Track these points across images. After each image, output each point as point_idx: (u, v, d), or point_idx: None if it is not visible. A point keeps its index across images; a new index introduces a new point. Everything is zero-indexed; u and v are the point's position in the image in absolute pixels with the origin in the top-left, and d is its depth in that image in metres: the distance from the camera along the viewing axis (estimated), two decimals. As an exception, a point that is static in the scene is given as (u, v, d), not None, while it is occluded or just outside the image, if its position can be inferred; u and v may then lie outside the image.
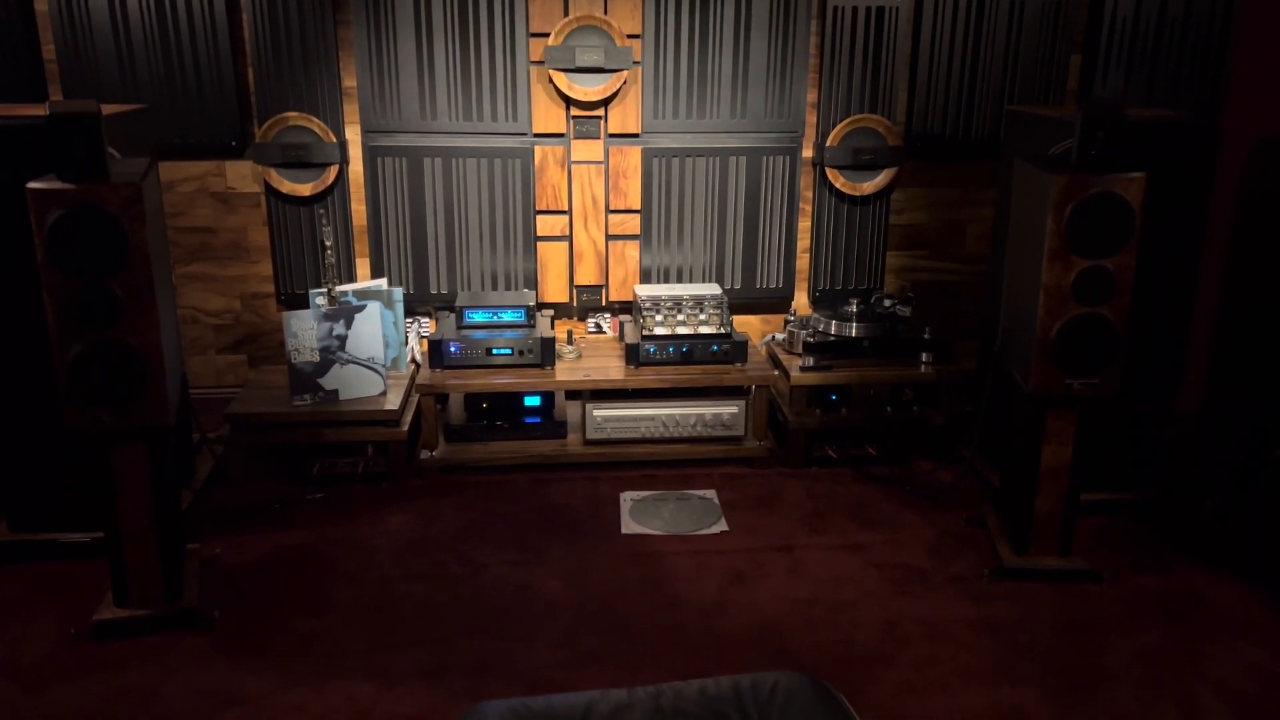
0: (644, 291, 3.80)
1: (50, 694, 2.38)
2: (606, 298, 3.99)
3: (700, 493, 3.45)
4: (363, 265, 3.93)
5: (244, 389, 3.65)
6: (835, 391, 3.70)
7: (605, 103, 3.78)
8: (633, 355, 3.61)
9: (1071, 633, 2.68)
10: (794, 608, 2.78)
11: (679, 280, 4.00)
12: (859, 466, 3.66)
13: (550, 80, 3.71)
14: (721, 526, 3.22)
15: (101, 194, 2.25)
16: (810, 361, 3.64)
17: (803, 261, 4.06)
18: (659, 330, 3.64)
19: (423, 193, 3.83)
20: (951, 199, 4.07)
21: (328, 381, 3.47)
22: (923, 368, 3.68)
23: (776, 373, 3.73)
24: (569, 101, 3.76)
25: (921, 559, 3.05)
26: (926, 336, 3.69)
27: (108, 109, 2.81)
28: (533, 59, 3.73)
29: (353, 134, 3.79)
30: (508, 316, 3.66)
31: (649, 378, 3.58)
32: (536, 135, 3.80)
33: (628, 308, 3.99)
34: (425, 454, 3.56)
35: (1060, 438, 2.79)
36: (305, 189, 3.77)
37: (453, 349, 3.55)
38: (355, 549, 3.07)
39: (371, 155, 3.78)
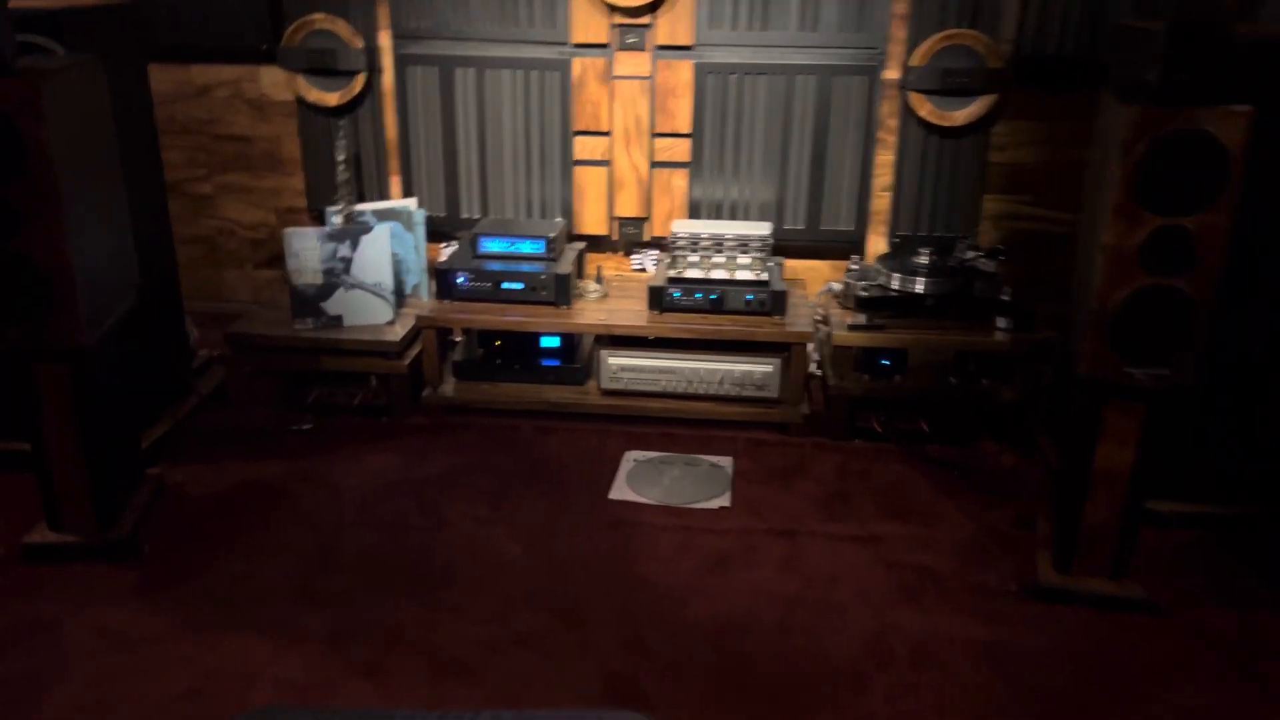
0: (680, 228, 3.38)
1: (-42, 614, 2.31)
2: (650, 232, 3.60)
3: (713, 459, 3.06)
4: (398, 182, 3.68)
5: (254, 307, 3.51)
6: (889, 355, 3.19)
7: (653, 9, 3.33)
8: (656, 300, 3.22)
9: (1101, 677, 2.17)
10: (771, 605, 2.39)
11: (734, 217, 3.55)
12: (907, 443, 3.16)
13: (589, -17, 3.30)
14: (722, 501, 2.83)
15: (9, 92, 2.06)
16: (861, 319, 3.14)
17: (881, 201, 3.52)
18: (689, 273, 3.23)
19: (454, 106, 3.53)
20: (1063, 135, 3.41)
21: (331, 306, 3.27)
22: (998, 334, 3.11)
23: (820, 329, 3.25)
24: (612, 8, 3.34)
25: (945, 561, 2.57)
26: (1006, 298, 3.11)
27: (74, 1, 2.64)
28: (571, -42, 3.32)
29: (384, 39, 3.52)
30: (525, 248, 3.33)
31: (671, 326, 3.18)
32: (575, 46, 3.41)
33: (671, 244, 3.58)
34: (428, 391, 3.32)
35: (1120, 436, 2.23)
36: (332, 98, 3.54)
37: (460, 280, 3.27)
38: (323, 488, 2.87)
39: (402, 63, 3.50)
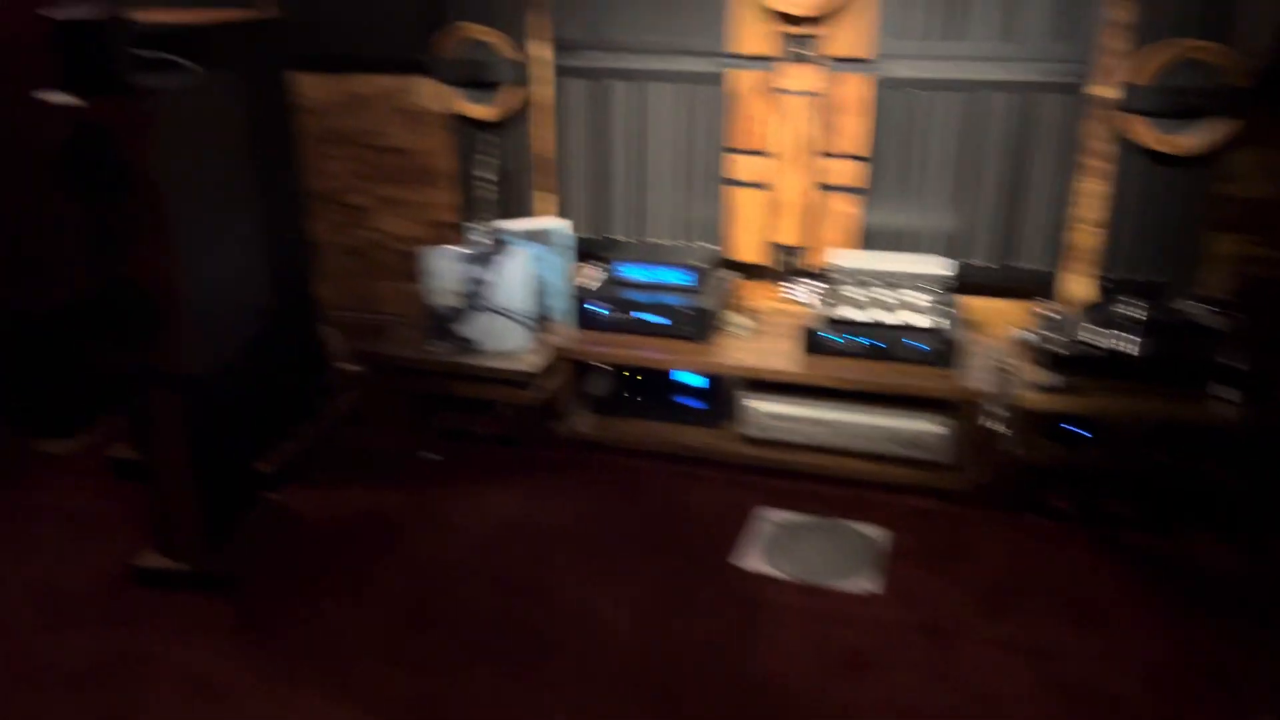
0: (842, 260, 3.02)
1: (61, 638, 2.29)
2: (810, 261, 3.26)
3: (863, 528, 2.70)
4: (548, 201, 3.51)
5: (395, 324, 3.42)
6: (1084, 422, 2.72)
7: (826, 18, 2.99)
8: (810, 342, 2.88)
9: None
10: (909, 727, 2.02)
11: (907, 249, 3.15)
12: (1098, 527, 2.68)
13: (756, -12, 2.99)
14: (868, 585, 2.47)
15: (105, 111, 1.99)
16: (1053, 379, 2.69)
17: (1080, 237, 3.03)
18: (850, 313, 2.87)
19: (608, 121, 3.31)
20: (1322, 166, 2.81)
21: (466, 329, 3.13)
22: (1222, 405, 2.59)
23: (1002, 387, 2.82)
24: (779, 16, 3.02)
25: (1135, 690, 2.11)
26: (1233, 361, 2.58)
27: (217, 15, 2.59)
28: (737, -39, 3.03)
29: (539, 50, 3.34)
30: (669, 277, 3.07)
31: (825, 373, 2.84)
32: (737, 57, 3.11)
33: (834, 277, 3.22)
34: (559, 424, 3.12)
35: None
36: (484, 111, 3.40)
37: (597, 310, 3.05)
38: (438, 527, 2.72)
39: (557, 75, 3.31)
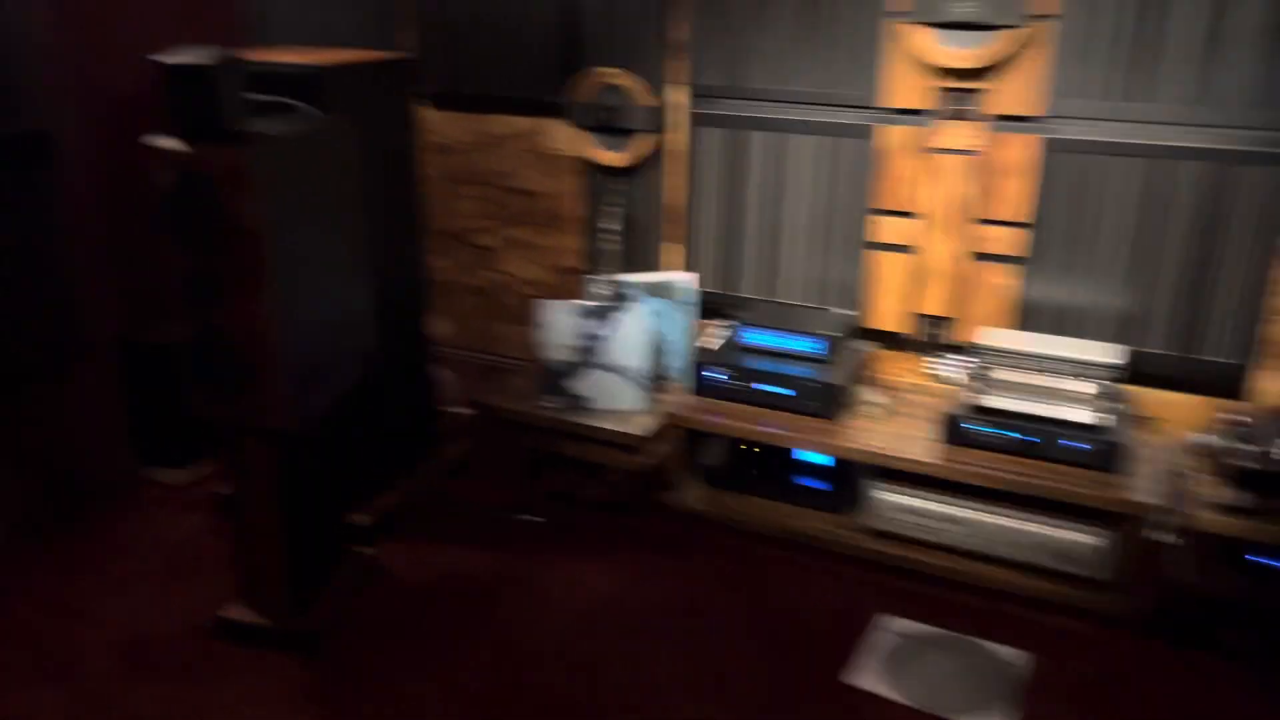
0: (994, 339, 2.71)
1: (137, 687, 2.23)
2: (958, 336, 2.95)
3: (1000, 650, 2.38)
4: (671, 252, 3.33)
5: (508, 374, 3.30)
6: (1276, 553, 2.32)
7: (991, 70, 2.70)
8: (951, 430, 2.59)
9: None
10: None
11: (1071, 331, 2.81)
12: (1287, 680, 2.28)
13: (912, 39, 2.73)
14: None
15: (207, 158, 1.93)
16: (1240, 497, 2.31)
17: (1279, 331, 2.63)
18: (999, 401, 2.56)
19: (745, 173, 3.11)
20: None
21: (579, 386, 2.97)
22: None
23: (1175, 501, 2.44)
24: (936, 70, 2.76)
25: None
26: None
27: (342, 56, 2.53)
28: (892, 7, 2.78)
29: (675, 97, 3.18)
30: (798, 345, 2.83)
31: (967, 467, 2.54)
32: (888, 111, 2.86)
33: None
34: (669, 494, 2.92)
35: None
36: (615, 157, 3.26)
37: (717, 376, 2.83)
38: (531, 601, 2.56)
39: (692, 123, 3.14)
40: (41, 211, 2.68)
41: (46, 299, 2.73)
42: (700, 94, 3.10)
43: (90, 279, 2.87)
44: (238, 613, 2.39)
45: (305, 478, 2.32)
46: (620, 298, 3.08)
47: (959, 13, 2.62)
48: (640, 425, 2.89)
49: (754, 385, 2.79)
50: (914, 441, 2.65)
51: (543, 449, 3.01)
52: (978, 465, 2.53)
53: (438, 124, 3.63)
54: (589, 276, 3.14)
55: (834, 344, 2.79)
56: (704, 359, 2.86)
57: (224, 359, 2.06)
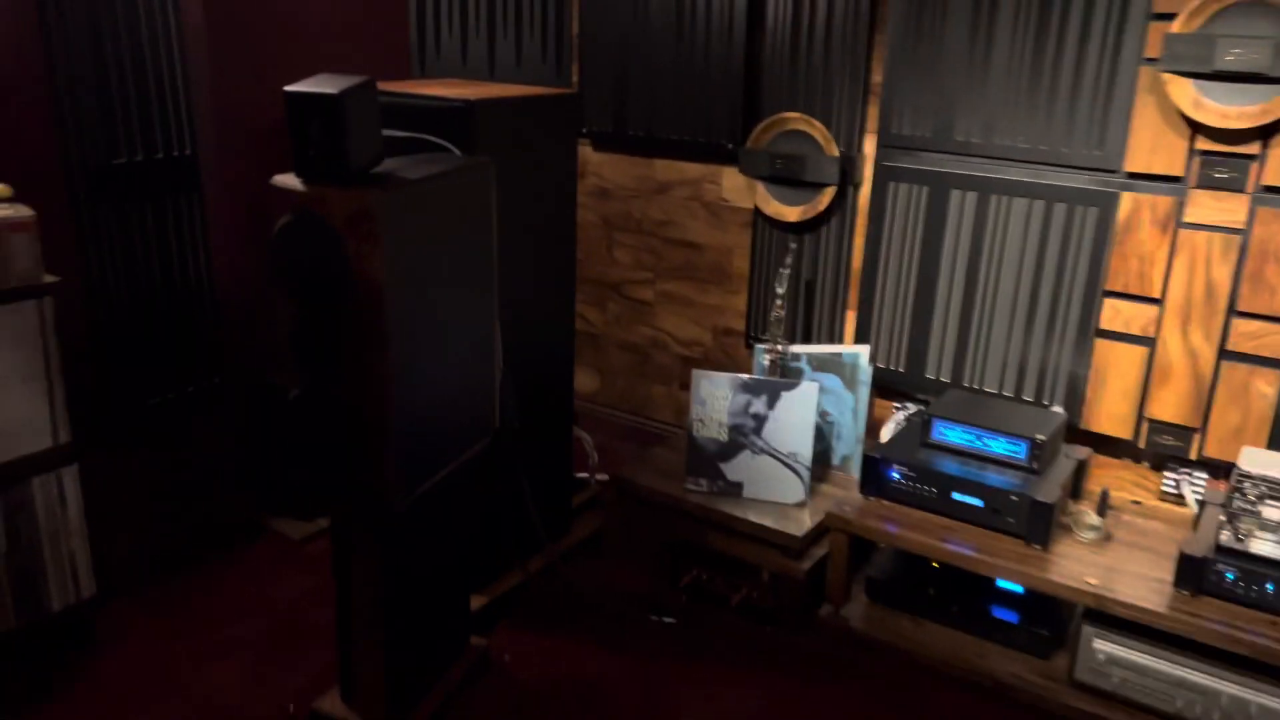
0: (1257, 463, 2.18)
1: (214, 782, 2.00)
2: (1200, 450, 2.42)
3: None
4: (851, 322, 2.93)
5: (655, 447, 2.97)
6: None
7: (1264, 134, 2.20)
8: (1191, 574, 2.07)
9: None
10: None
11: (1350, 454, 2.25)
12: None
13: (1167, 91, 2.26)
14: None
15: (327, 201, 1.69)
16: None
17: None
18: (1261, 545, 2.04)
19: (941, 237, 2.69)
20: None
21: (732, 469, 2.61)
22: None
23: None
24: (1196, 127, 2.27)
25: None
26: None
27: (496, 91, 2.29)
28: (1145, 55, 2.31)
29: (866, 147, 2.80)
30: (997, 447, 2.38)
31: (1210, 623, 2.02)
32: (1131, 176, 2.39)
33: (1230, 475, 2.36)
34: (828, 609, 2.50)
35: None
36: (792, 211, 2.90)
37: (894, 475, 2.41)
38: (656, 716, 2.20)
39: (884, 177, 2.75)
40: (185, 241, 2.55)
41: (187, 332, 2.59)
42: (893, 145, 2.70)
43: (228, 313, 2.73)
44: (332, 706, 2.13)
45: (414, 559, 2.05)
46: (786, 371, 2.71)
47: (1233, 62, 2.13)
48: (799, 523, 2.50)
49: (939, 491, 2.35)
50: (1139, 580, 2.15)
51: (684, 537, 2.65)
52: (1222, 622, 2.00)
53: (598, 165, 3.38)
54: (753, 343, 2.78)
55: (1042, 448, 2.33)
56: (879, 453, 2.44)
57: (330, 423, 1.81)
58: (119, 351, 2.45)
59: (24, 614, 2.21)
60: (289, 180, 1.73)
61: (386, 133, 1.85)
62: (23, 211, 2.05)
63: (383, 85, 2.22)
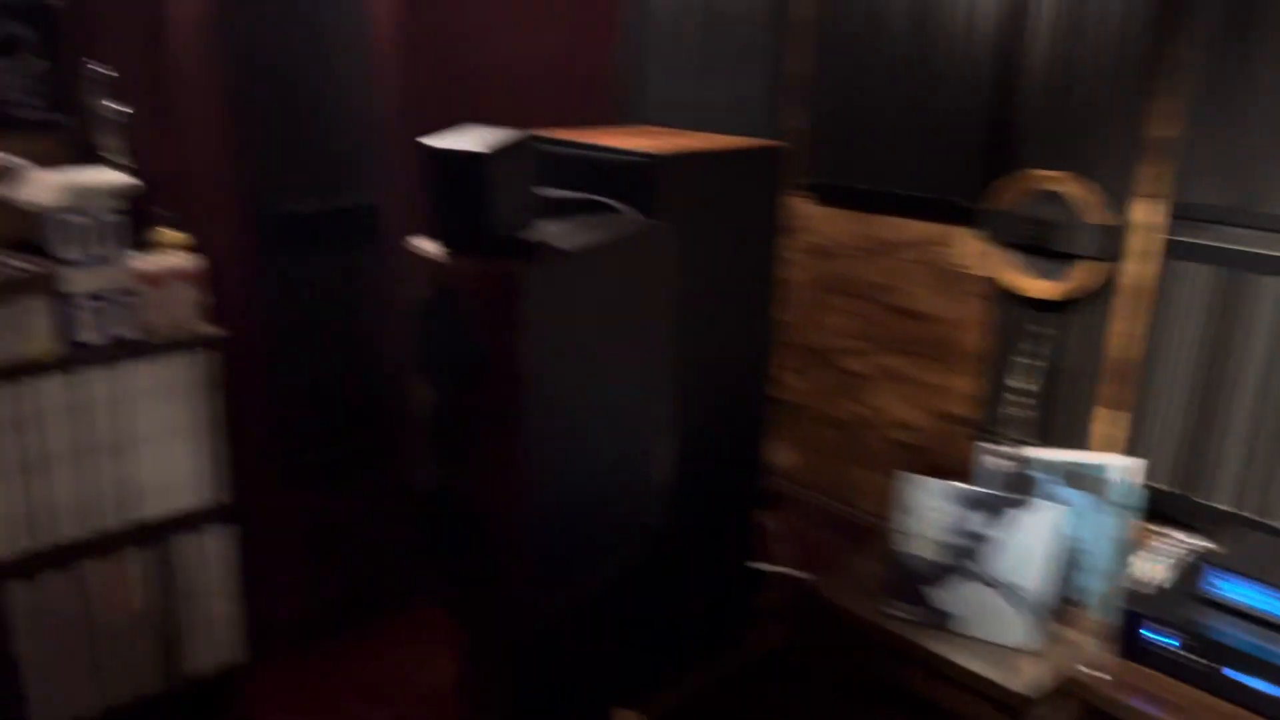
0: None
1: None
2: None
3: None
4: (1108, 424, 2.41)
5: (853, 552, 2.56)
6: None
7: None
8: None
9: None
10: None
11: None
12: None
13: None
14: None
15: (466, 273, 1.45)
16: None
17: None
18: None
19: (1243, 330, 2.13)
20: None
21: (941, 596, 2.17)
22: None
23: None
24: None
25: None
26: None
27: (693, 142, 2.00)
28: None
29: (1145, 214, 2.28)
30: (1307, 619, 1.81)
31: None
32: None
33: None
34: (1056, 789, 2.01)
35: None
36: (1043, 287, 2.42)
37: (1157, 636, 1.89)
38: None
39: (1167, 253, 2.23)
40: (364, 293, 2.43)
41: (361, 387, 2.47)
42: (1184, 214, 2.18)
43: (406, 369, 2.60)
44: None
45: (548, 678, 1.77)
46: (1023, 482, 2.24)
47: None
48: (1026, 676, 2.02)
49: (1221, 668, 1.81)
50: None
51: (879, 671, 2.23)
52: None
53: (816, 221, 3.01)
54: (983, 443, 2.32)
55: (1373, 628, 1.74)
56: (1141, 606, 1.93)
57: (458, 528, 1.57)
58: (289, 405, 2.34)
59: (164, 678, 2.12)
60: (426, 246, 1.51)
61: (547, 192, 1.60)
62: (192, 261, 1.97)
63: (561, 133, 1.99)
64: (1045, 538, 2.07)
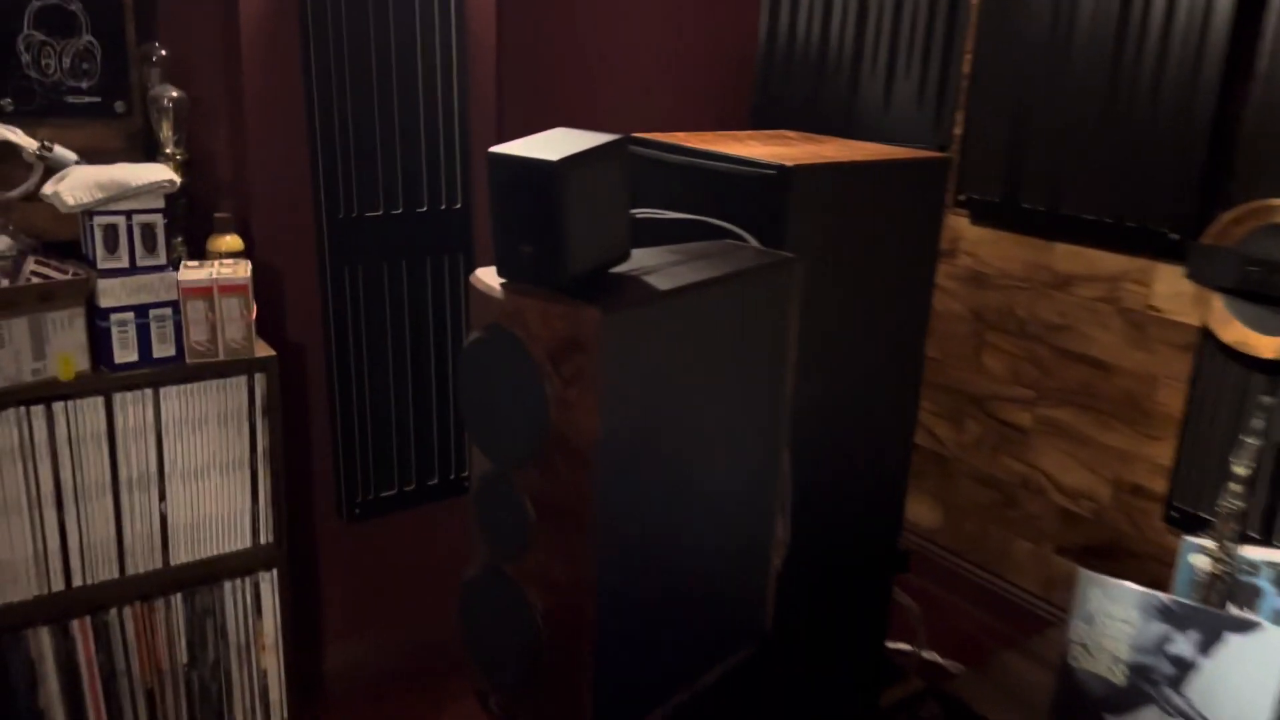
0: None
1: None
2: None
3: None
4: (1349, 517, 1.91)
5: (1007, 652, 2.12)
6: None
7: None
8: None
9: None
10: None
11: None
12: None
13: None
14: None
15: (526, 318, 1.13)
16: None
17: None
18: None
19: None
20: None
21: (1124, 729, 1.73)
22: None
23: None
24: None
25: None
26: None
27: (838, 151, 1.63)
28: None
29: None
30: None
31: None
32: None
33: None
34: None
35: None
36: (1268, 345, 1.94)
37: None
38: None
39: None
40: (445, 307, 2.15)
41: (438, 415, 2.20)
42: None
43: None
44: None
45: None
46: (1243, 592, 1.77)
47: None
48: None
49: None
50: None
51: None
52: None
53: (975, 243, 2.58)
54: (1189, 537, 1.86)
55: None
56: None
57: (512, 627, 1.25)
58: (357, 433, 2.08)
59: (201, 736, 1.89)
60: (488, 279, 1.19)
61: (646, 213, 1.27)
62: (239, 272, 1.72)
63: (671, 138, 1.65)
64: (1269, 668, 1.61)
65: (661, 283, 1.19)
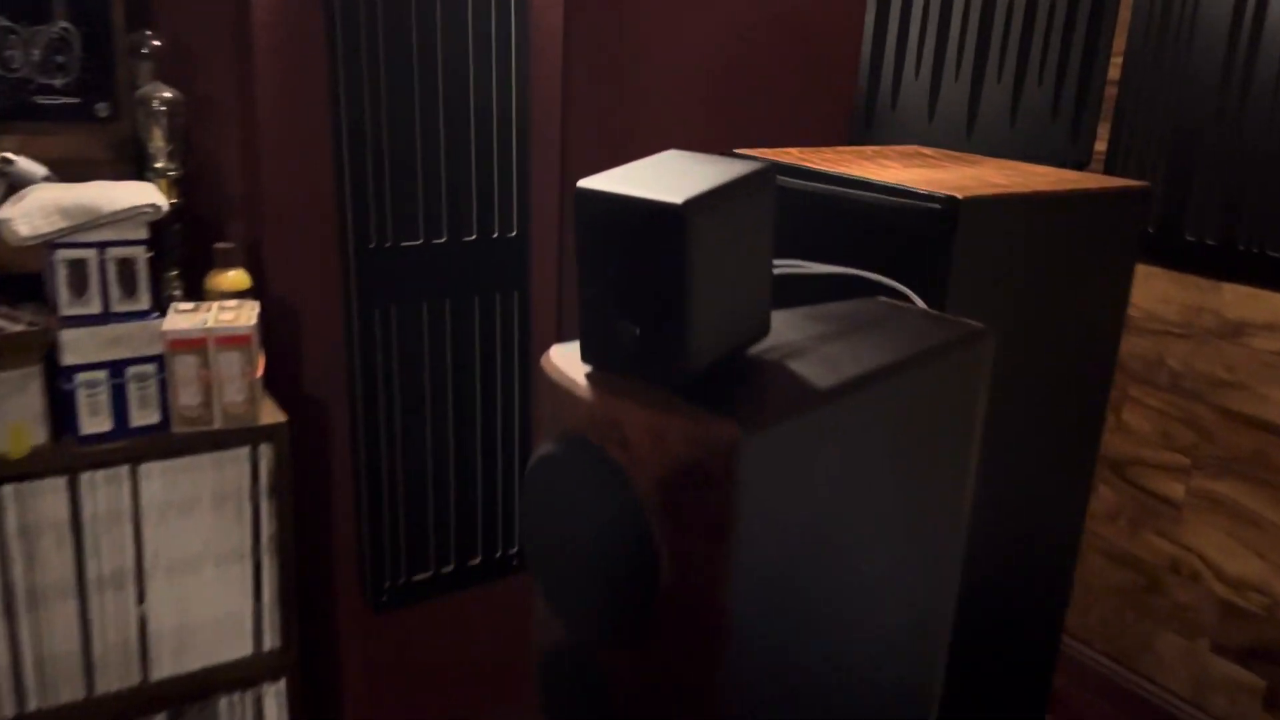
0: None
1: None
2: None
3: None
4: None
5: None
6: None
7: None
8: None
9: None
10: None
11: None
12: None
13: None
14: None
15: (628, 435, 0.76)
16: None
17: None
18: None
19: None
20: None
21: None
22: None
23: None
24: None
25: None
26: None
27: (1011, 178, 1.25)
28: None
29: None
30: None
31: None
32: None
33: None
34: None
35: None
36: None
37: None
38: None
39: None
40: (494, 350, 1.80)
41: (482, 484, 1.84)
42: None
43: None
44: None
45: None
46: None
47: None
48: None
49: None
50: None
51: None
52: None
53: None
54: None
55: None
56: None
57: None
58: (385, 508, 1.73)
59: None
60: (565, 366, 0.82)
61: (786, 266, 0.90)
62: (241, 318, 1.37)
63: (795, 157, 1.28)
64: None
65: (818, 374, 0.82)
